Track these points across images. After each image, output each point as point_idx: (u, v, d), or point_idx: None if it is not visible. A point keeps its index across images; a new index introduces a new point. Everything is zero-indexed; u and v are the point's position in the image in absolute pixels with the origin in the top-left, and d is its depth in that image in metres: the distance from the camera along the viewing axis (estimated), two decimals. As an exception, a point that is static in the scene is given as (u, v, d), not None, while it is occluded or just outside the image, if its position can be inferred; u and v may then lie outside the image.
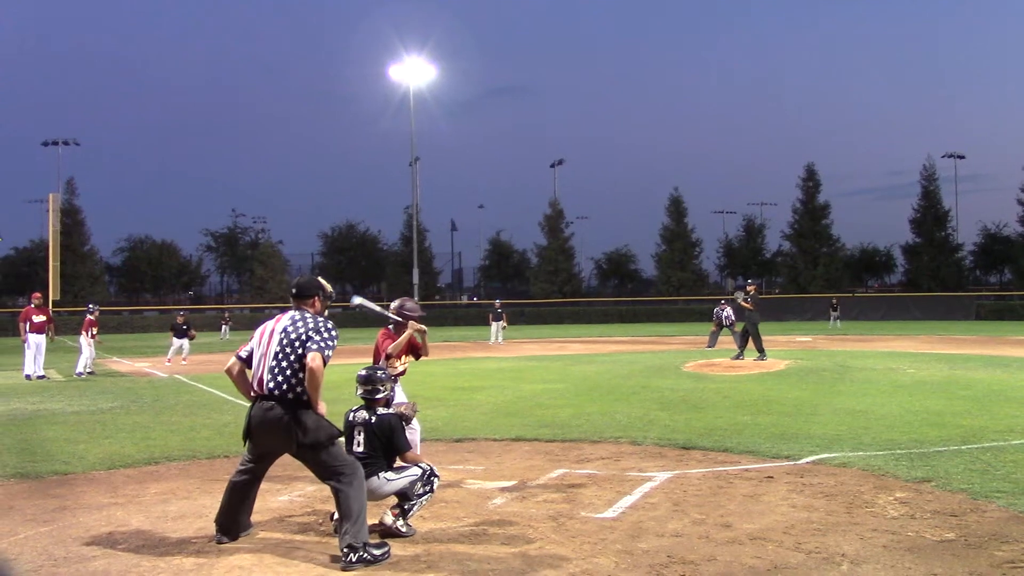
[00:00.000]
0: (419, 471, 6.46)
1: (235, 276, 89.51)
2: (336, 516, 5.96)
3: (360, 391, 6.59)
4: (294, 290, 6.30)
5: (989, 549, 5.68)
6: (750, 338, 22.01)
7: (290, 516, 6.82)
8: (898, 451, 9.19)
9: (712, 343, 27.85)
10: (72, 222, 67.59)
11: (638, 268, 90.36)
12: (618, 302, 72.02)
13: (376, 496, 6.29)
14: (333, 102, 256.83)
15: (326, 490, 7.67)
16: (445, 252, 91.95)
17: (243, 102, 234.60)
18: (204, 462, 9.51)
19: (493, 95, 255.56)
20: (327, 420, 6.00)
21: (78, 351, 22.53)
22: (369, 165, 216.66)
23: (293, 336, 5.91)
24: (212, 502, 7.18)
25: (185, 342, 27.02)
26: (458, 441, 10.53)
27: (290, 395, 5.85)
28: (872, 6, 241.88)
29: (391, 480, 6.35)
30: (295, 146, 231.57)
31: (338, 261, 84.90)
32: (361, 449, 6.35)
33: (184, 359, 26.43)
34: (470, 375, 19.26)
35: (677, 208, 75.54)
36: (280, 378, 5.86)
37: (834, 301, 50.20)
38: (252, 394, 6.02)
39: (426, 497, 6.45)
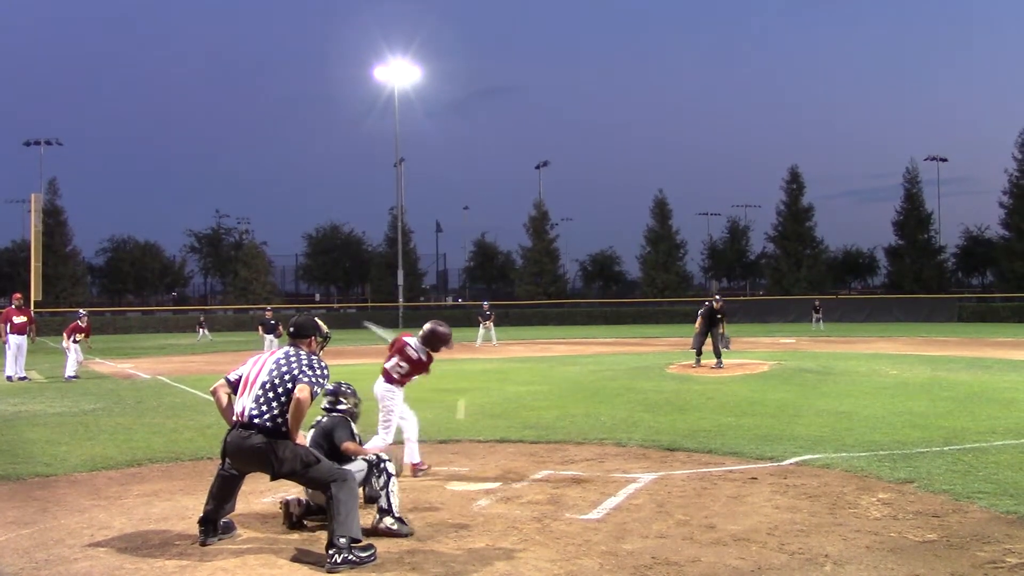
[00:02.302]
0: (363, 463, 6.61)
1: (219, 277, 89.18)
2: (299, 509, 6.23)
3: (325, 402, 7.04)
4: (292, 329, 6.38)
5: (971, 550, 5.71)
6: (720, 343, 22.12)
7: (274, 517, 6.79)
8: (881, 452, 9.23)
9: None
10: (54, 222, 67.12)
11: (623, 270, 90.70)
12: (603, 304, 72.07)
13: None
14: (317, 103, 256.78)
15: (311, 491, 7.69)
16: (430, 253, 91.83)
17: (227, 102, 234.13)
18: (187, 464, 9.47)
19: (478, 96, 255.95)
20: (303, 448, 6.02)
21: (64, 355, 21.92)
22: (354, 166, 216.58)
23: (284, 369, 5.98)
24: (195, 503, 7.15)
25: (272, 338, 27.79)
26: (443, 442, 10.52)
27: (269, 424, 5.88)
28: (856, 10, 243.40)
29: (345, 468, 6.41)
30: (279, 147, 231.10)
31: (322, 262, 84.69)
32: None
33: None
34: (455, 376, 19.24)
35: (662, 210, 75.69)
36: (264, 408, 5.91)
37: (816, 303, 50.42)
38: (233, 419, 6.04)
39: (392, 486, 6.46)
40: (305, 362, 6.02)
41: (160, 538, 6.28)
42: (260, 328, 29.48)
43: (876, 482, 7.84)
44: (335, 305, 78.86)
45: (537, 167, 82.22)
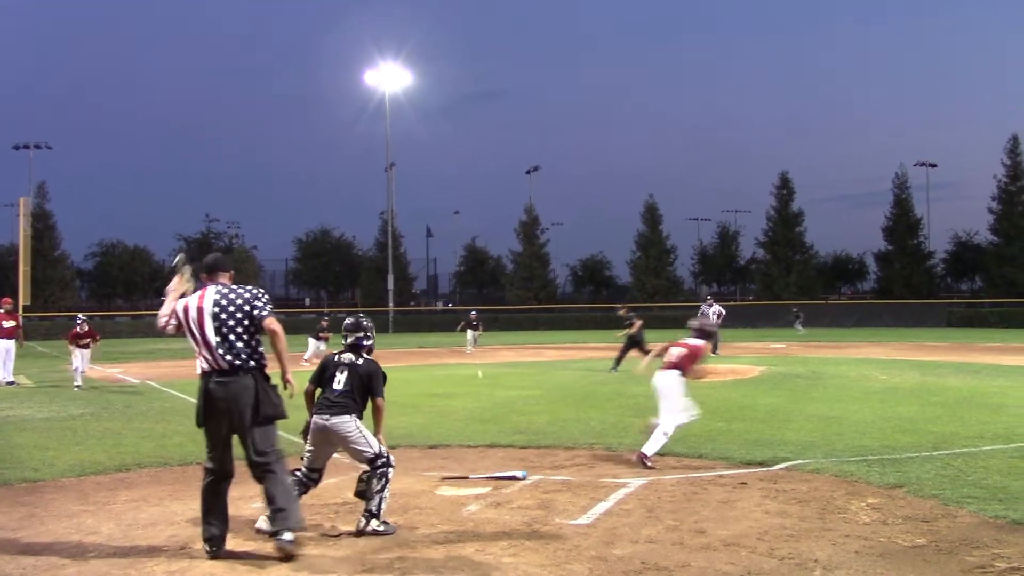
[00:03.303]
0: (380, 448, 6.58)
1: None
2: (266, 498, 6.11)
3: (350, 338, 6.84)
4: (207, 268, 6.44)
5: (960, 554, 5.73)
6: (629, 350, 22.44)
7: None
8: (870, 457, 9.25)
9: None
10: (43, 226, 66.79)
11: (613, 275, 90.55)
12: (593, 309, 72.07)
13: (343, 439, 6.53)
14: (308, 107, 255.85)
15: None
16: (420, 258, 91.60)
17: (217, 107, 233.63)
18: (176, 469, 9.43)
19: (469, 100, 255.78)
20: (281, 400, 6.19)
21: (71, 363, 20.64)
22: (344, 170, 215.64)
23: (232, 309, 6.11)
24: (184, 509, 7.14)
25: (322, 344, 27.86)
26: (432, 448, 10.51)
27: (251, 363, 6.06)
28: (845, 15, 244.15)
29: (364, 436, 6.55)
30: (270, 151, 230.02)
31: (312, 267, 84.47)
32: (341, 387, 6.59)
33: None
34: (445, 382, 19.22)
35: (652, 215, 75.78)
36: (234, 351, 6.04)
37: (795, 309, 50.67)
38: (202, 370, 6.12)
39: (387, 491, 6.50)
40: (247, 296, 6.17)
41: (148, 543, 6.26)
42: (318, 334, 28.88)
43: (865, 487, 7.86)
44: (325, 310, 78.60)
45: (528, 172, 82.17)
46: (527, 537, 6.30)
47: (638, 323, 23.00)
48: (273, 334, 6.11)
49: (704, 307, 28.72)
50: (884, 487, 7.82)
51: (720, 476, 8.49)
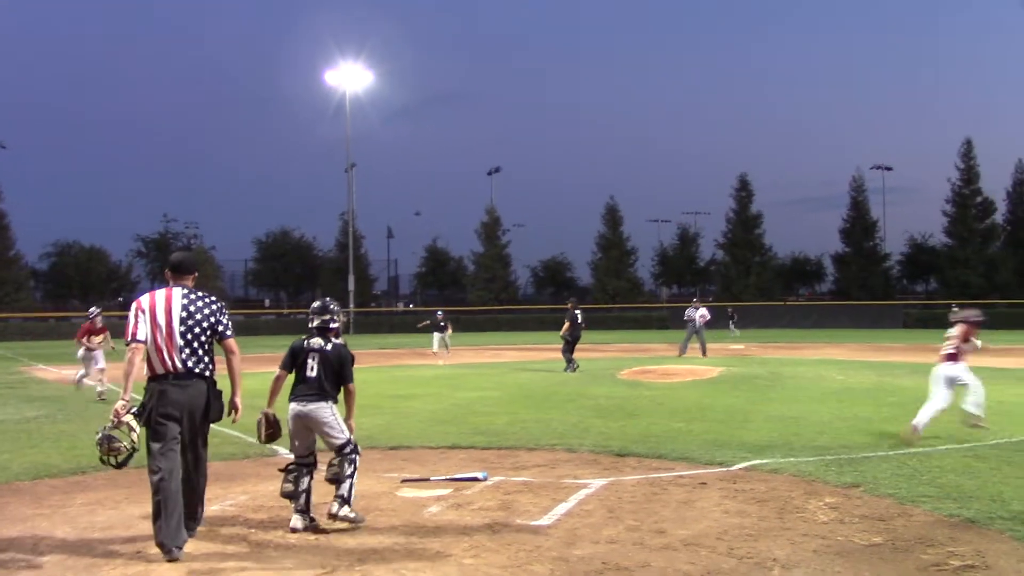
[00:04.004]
0: (350, 435, 6.76)
1: (166, 282, 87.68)
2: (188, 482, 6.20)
3: (316, 320, 6.94)
4: (173, 266, 6.60)
5: (915, 552, 5.80)
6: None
7: (221, 526, 6.71)
8: (828, 457, 9.35)
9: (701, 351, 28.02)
10: (-4, 226, 65.81)
11: (574, 276, 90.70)
12: (554, 310, 72.10)
13: (319, 424, 6.68)
14: (267, 106, 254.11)
15: (258, 499, 7.64)
16: (381, 259, 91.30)
17: (175, 105, 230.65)
18: (132, 472, 9.19)
19: (430, 101, 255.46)
20: (223, 406, 6.41)
21: (85, 365, 17.72)
22: (304, 170, 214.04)
23: (199, 317, 6.29)
24: (140, 512, 7.02)
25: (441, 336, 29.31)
26: (393, 449, 10.46)
27: (206, 373, 6.28)
28: (802, 21, 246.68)
29: (338, 423, 6.73)
30: (228, 151, 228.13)
31: (272, 267, 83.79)
32: (313, 374, 6.72)
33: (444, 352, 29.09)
34: (406, 383, 19.14)
35: (613, 216, 76.17)
36: (195, 359, 6.22)
37: (730, 310, 51.25)
38: (154, 373, 6.21)
39: (355, 477, 6.68)
40: (214, 309, 6.38)
41: (105, 548, 6.17)
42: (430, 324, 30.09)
43: (823, 486, 7.94)
44: (285, 311, 78.12)
45: (489, 173, 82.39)
46: (488, 538, 6.30)
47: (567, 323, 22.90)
48: (231, 355, 6.37)
49: (690, 310, 28.35)
50: (841, 486, 7.90)
51: (680, 476, 8.53)
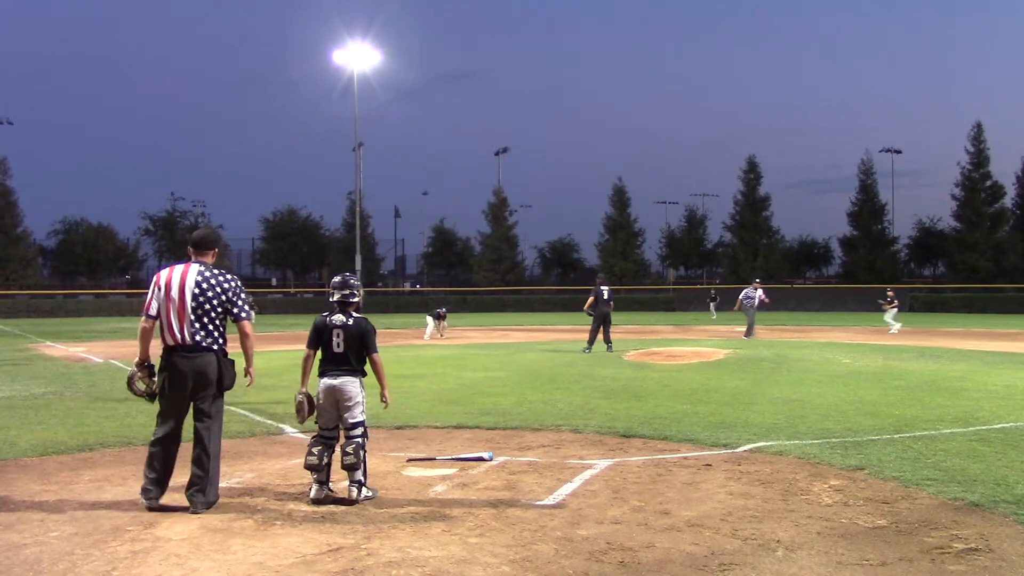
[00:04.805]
0: (364, 417, 7.01)
1: (173, 260, 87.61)
2: (195, 452, 6.51)
3: (336, 295, 7.10)
4: (194, 242, 6.88)
5: (919, 535, 5.81)
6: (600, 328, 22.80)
7: (227, 503, 6.74)
8: (833, 440, 9.35)
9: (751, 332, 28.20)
10: (4, 203, 65.92)
11: (581, 257, 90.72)
12: (561, 291, 72.25)
13: (345, 398, 6.90)
14: (276, 85, 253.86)
15: (264, 476, 7.67)
16: (388, 239, 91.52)
17: (183, 84, 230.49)
18: (139, 448, 9.31)
19: (438, 81, 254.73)
20: (235, 376, 6.72)
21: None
22: (312, 150, 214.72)
23: (211, 295, 6.52)
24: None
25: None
26: (399, 428, 10.49)
27: (215, 347, 6.52)
28: (811, 4, 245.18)
29: (361, 404, 6.99)
30: (236, 129, 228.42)
31: (279, 246, 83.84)
32: (341, 350, 6.95)
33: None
34: (412, 362, 19.21)
35: (620, 198, 76.09)
36: (203, 333, 6.48)
37: (712, 292, 51.07)
38: (166, 345, 6.52)
39: (365, 459, 6.93)
40: (228, 288, 6.59)
41: (112, 524, 6.20)
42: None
43: (828, 469, 7.95)
44: (292, 290, 78.23)
45: (497, 153, 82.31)
46: (493, 517, 6.32)
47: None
48: (244, 337, 6.62)
49: (749, 290, 28.72)
50: (846, 469, 7.91)
51: (685, 458, 8.55)
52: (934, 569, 5.16)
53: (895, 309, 33.02)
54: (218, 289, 6.53)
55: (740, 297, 28.95)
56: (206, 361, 6.48)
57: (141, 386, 6.66)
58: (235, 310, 6.57)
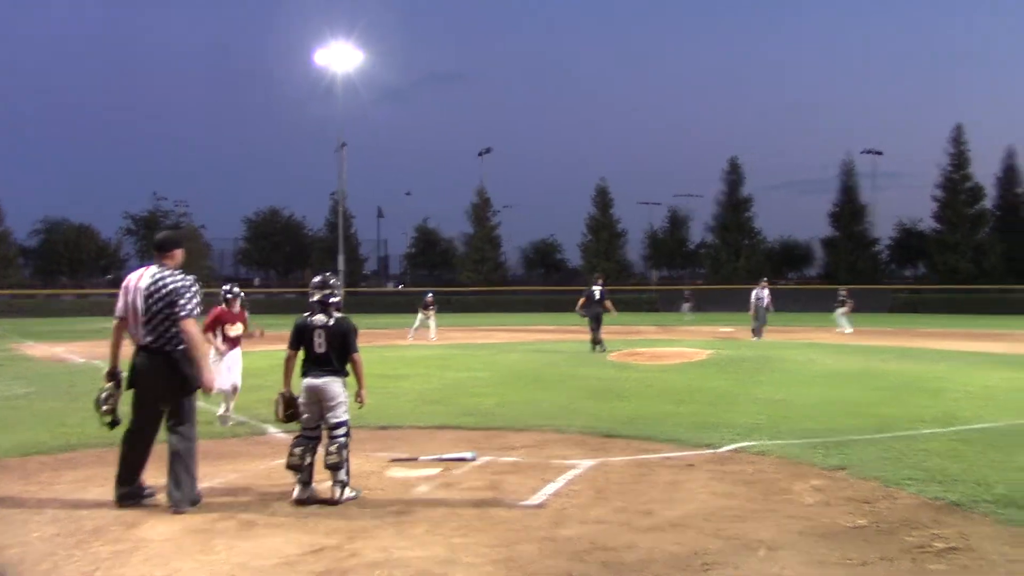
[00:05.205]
0: (347, 416, 7.03)
1: (151, 261, 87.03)
2: (170, 461, 6.60)
3: (317, 295, 7.13)
4: (155, 245, 7.01)
5: (899, 534, 5.85)
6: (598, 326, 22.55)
7: (210, 502, 6.72)
8: (815, 440, 9.39)
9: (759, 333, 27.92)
10: (-16, 202, 65.45)
11: (564, 258, 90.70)
12: (544, 291, 72.20)
13: (328, 398, 6.92)
14: (258, 85, 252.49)
15: (248, 477, 7.66)
16: (371, 239, 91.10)
17: (166, 85, 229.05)
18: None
19: (422, 82, 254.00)
20: (194, 375, 6.68)
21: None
22: (295, 150, 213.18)
23: (158, 296, 6.61)
24: (130, 490, 7.04)
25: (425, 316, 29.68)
26: (383, 429, 10.48)
27: (167, 347, 6.61)
28: (793, 5, 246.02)
29: (344, 403, 7.00)
30: (218, 129, 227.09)
31: (262, 247, 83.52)
32: (323, 350, 6.99)
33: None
34: (395, 362, 19.18)
35: (603, 198, 76.12)
36: (155, 335, 6.62)
37: (686, 292, 51.17)
38: (135, 344, 6.71)
39: (348, 459, 6.96)
40: (173, 288, 6.63)
41: (94, 524, 6.18)
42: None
43: (809, 469, 7.99)
44: (275, 290, 77.93)
45: (480, 154, 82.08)
46: (477, 518, 6.33)
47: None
48: (186, 335, 6.61)
49: (758, 290, 28.23)
50: (827, 469, 7.95)
51: (668, 458, 8.57)
52: (915, 568, 5.21)
53: (845, 308, 32.94)
54: (164, 291, 6.62)
55: (752, 300, 28.26)
56: (157, 363, 6.60)
57: (105, 408, 6.81)
58: (175, 308, 6.59)
